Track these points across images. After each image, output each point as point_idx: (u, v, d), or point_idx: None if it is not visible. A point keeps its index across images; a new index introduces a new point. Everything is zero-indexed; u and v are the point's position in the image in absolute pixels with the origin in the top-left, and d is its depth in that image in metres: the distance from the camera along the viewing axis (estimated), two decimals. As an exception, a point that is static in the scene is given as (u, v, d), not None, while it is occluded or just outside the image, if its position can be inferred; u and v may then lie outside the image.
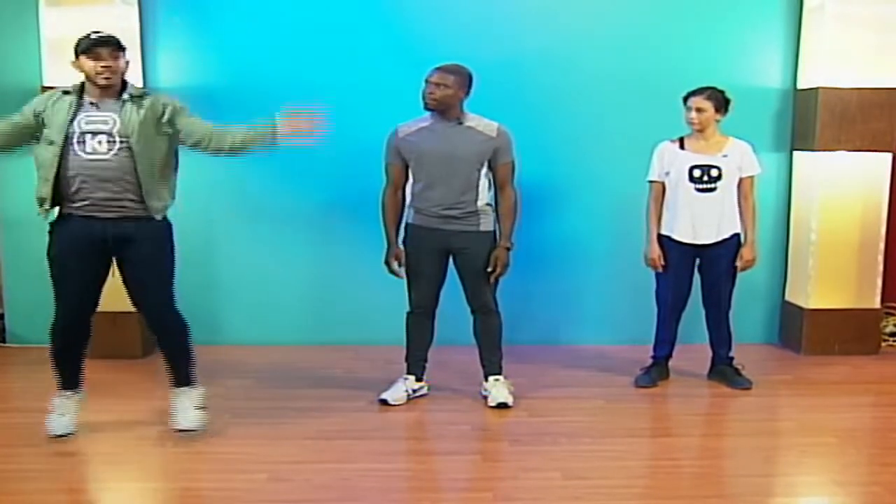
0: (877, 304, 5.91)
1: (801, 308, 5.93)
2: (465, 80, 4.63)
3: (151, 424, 4.51)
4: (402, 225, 4.84)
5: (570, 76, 5.84)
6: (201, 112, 4.23)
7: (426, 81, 4.61)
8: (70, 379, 4.34)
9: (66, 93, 4.11)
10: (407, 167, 4.75)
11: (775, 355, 5.97)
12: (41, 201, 4.10)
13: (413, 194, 4.77)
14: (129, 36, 5.51)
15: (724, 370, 5.25)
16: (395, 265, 4.81)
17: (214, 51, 5.75)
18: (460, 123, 4.65)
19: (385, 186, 4.82)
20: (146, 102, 4.13)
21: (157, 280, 4.24)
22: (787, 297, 6.10)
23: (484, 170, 4.69)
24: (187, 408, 4.35)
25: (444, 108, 4.62)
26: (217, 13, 5.75)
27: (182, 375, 4.40)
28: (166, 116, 4.16)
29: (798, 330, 5.94)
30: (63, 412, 4.32)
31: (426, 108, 4.64)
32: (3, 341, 6.03)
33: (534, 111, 5.73)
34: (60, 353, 4.29)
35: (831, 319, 5.85)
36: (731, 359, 5.26)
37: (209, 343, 5.34)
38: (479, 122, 4.68)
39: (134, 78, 5.39)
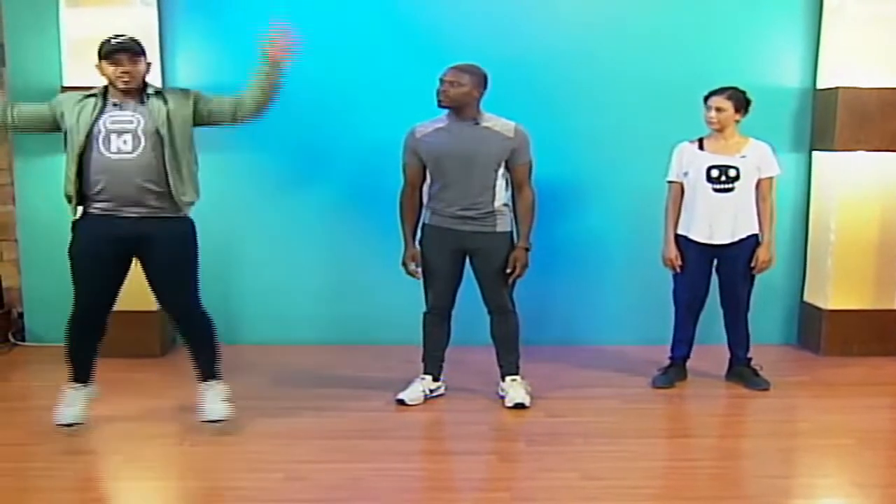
0: (896, 304, 5.88)
1: (819, 309, 5.90)
2: (480, 79, 4.62)
3: (169, 423, 4.54)
4: (419, 225, 4.85)
5: (588, 75, 5.83)
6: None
7: (440, 80, 4.60)
8: (82, 372, 4.40)
9: (90, 96, 4.17)
10: (424, 167, 4.75)
11: (793, 356, 5.94)
12: (69, 199, 4.20)
13: (430, 195, 4.77)
14: (148, 36, 5.53)
15: (742, 371, 5.23)
16: (412, 266, 4.82)
17: (232, 50, 5.75)
18: (477, 123, 4.65)
19: (403, 187, 4.82)
20: (168, 95, 4.22)
21: (180, 278, 4.31)
22: (806, 298, 6.07)
23: (501, 170, 4.68)
24: (214, 400, 4.41)
25: (459, 107, 4.61)
26: (235, 13, 5.77)
27: (208, 370, 4.47)
28: (192, 101, 4.24)
29: (816, 331, 5.91)
30: (72, 403, 4.37)
31: (440, 106, 4.63)
32: (23, 340, 6.06)
33: (551, 110, 5.72)
34: (75, 346, 4.35)
35: (850, 320, 5.82)
36: (749, 360, 5.24)
37: (225, 342, 5.31)
38: (496, 121, 4.67)
39: (153, 78, 5.43)
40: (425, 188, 4.79)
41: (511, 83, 5.23)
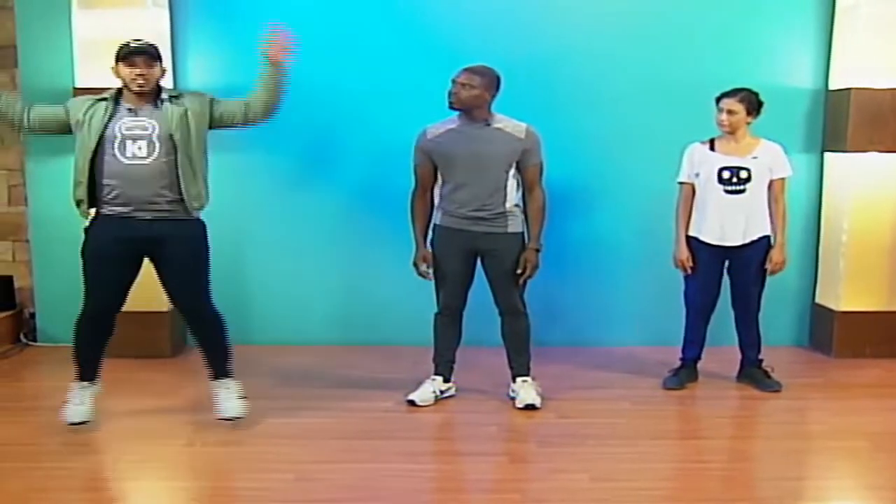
0: (909, 306, 5.85)
1: (831, 310, 5.87)
2: (492, 81, 4.62)
3: (179, 423, 4.54)
4: (431, 226, 4.85)
5: (598, 76, 5.82)
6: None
7: (453, 81, 4.60)
8: (88, 371, 4.45)
9: (101, 99, 4.21)
10: (435, 169, 4.75)
11: (805, 358, 5.92)
12: (79, 203, 4.24)
13: (441, 196, 4.77)
14: (160, 38, 5.54)
15: (753, 373, 5.21)
16: (423, 267, 4.82)
17: (244, 52, 5.72)
18: (488, 125, 4.64)
19: (414, 188, 4.82)
20: (184, 100, 4.27)
21: (193, 277, 4.36)
22: (818, 300, 6.04)
23: (512, 171, 4.68)
24: (228, 398, 4.46)
25: (470, 109, 4.61)
26: (246, 15, 5.77)
27: (220, 368, 4.51)
28: (206, 108, 4.29)
29: (828, 332, 5.88)
30: (80, 402, 4.42)
31: (451, 107, 4.63)
32: (34, 340, 6.08)
33: (562, 112, 5.71)
34: (83, 346, 4.41)
35: (862, 322, 5.79)
36: (761, 361, 5.22)
37: (237, 343, 5.31)
38: (507, 123, 4.67)
39: (165, 79, 5.45)
40: (436, 189, 4.80)
41: (521, 84, 5.21)
